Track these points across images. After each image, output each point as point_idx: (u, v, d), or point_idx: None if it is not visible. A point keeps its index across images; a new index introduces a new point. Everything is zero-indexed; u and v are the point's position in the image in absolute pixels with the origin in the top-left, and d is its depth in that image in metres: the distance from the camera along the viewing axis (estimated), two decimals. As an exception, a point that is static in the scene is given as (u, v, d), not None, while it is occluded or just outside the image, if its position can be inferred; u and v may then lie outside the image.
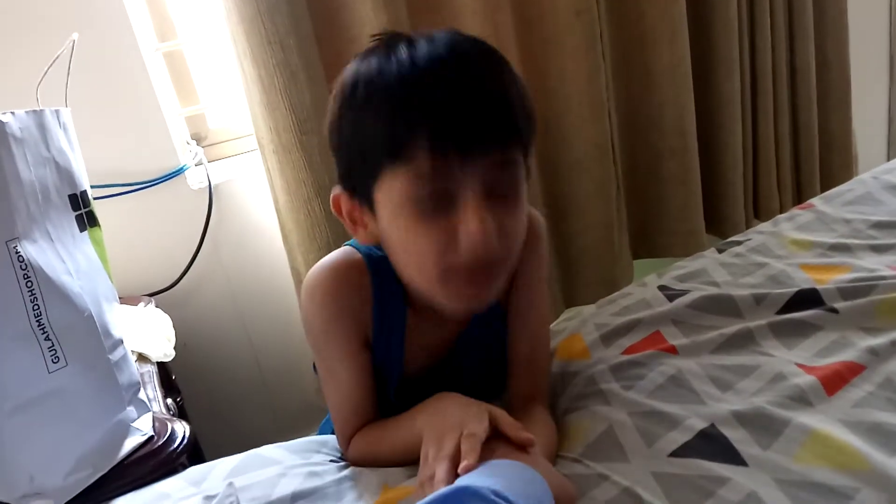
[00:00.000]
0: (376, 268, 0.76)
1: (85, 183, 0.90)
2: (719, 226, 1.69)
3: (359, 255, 0.78)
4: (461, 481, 0.56)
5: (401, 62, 0.64)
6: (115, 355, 0.84)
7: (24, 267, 0.75)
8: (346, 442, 0.81)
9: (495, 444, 0.65)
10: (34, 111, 0.82)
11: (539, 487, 0.58)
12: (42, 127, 0.82)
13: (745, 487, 0.65)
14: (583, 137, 1.47)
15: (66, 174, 0.85)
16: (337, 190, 0.75)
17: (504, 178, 0.66)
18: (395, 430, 0.77)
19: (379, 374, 0.81)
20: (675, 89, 1.51)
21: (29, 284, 0.75)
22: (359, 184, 0.71)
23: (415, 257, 0.68)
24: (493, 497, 0.52)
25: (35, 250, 0.76)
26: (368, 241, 0.74)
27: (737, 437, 0.71)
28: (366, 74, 0.67)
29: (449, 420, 0.67)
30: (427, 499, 0.53)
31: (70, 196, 0.86)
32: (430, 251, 0.66)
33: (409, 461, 0.74)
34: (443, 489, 0.54)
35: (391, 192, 0.66)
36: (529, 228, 0.75)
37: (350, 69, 0.71)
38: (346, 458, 0.82)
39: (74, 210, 0.86)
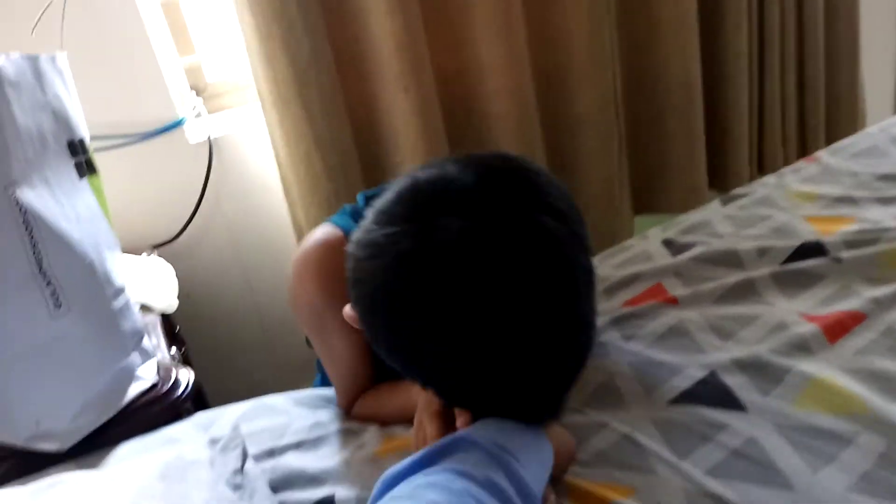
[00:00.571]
0: None
1: (83, 130, 0.89)
2: (722, 181, 1.68)
3: (341, 233, 0.76)
4: (461, 433, 0.56)
5: None
6: (118, 303, 0.84)
7: (23, 213, 0.74)
8: (348, 408, 0.82)
9: None
10: (29, 56, 0.80)
11: (539, 442, 0.58)
12: (38, 72, 0.81)
13: (744, 432, 0.66)
14: (586, 91, 1.44)
15: (63, 120, 0.84)
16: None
17: None
18: (394, 396, 0.78)
19: None
20: (681, 41, 1.48)
21: (29, 231, 0.75)
22: None
23: None
24: (490, 446, 0.51)
25: (34, 196, 0.76)
26: None
27: (737, 384, 0.72)
28: None
29: None
30: (425, 449, 0.52)
31: (68, 142, 0.85)
32: None
33: (409, 421, 0.75)
34: (442, 439, 0.53)
35: None
36: None
37: None
38: (350, 417, 0.82)
39: (73, 156, 0.85)
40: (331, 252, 0.75)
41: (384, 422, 0.78)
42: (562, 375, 0.56)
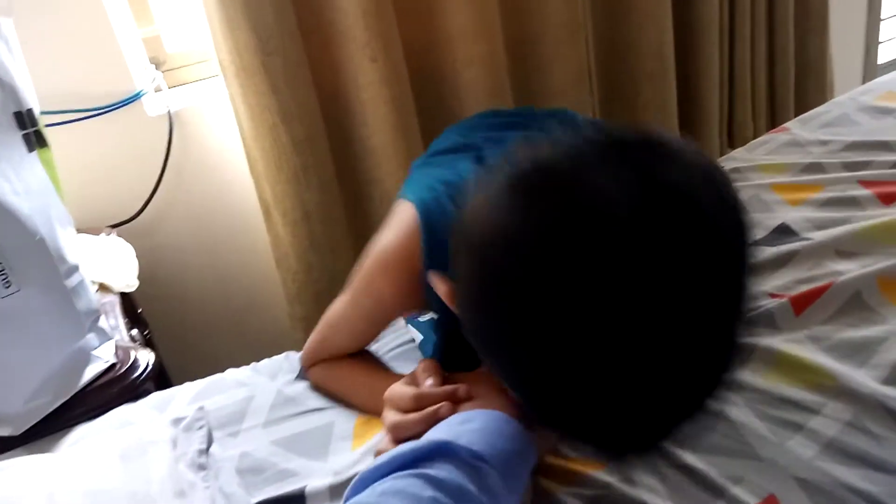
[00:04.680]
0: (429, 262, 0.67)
1: (32, 101, 0.85)
2: (694, 154, 1.68)
3: (418, 250, 0.67)
4: (437, 435, 0.54)
5: None
6: (72, 281, 0.81)
7: (-35, 187, 0.70)
8: (310, 361, 0.79)
9: (473, 387, 0.61)
10: (-31, 21, 0.76)
11: (520, 441, 0.56)
12: (-22, 38, 0.77)
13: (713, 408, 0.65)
14: (560, 62, 1.42)
15: (9, 90, 0.80)
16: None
17: None
18: (357, 385, 0.76)
19: None
20: (654, 9, 1.46)
21: (-27, 206, 0.71)
22: None
23: None
24: (470, 459, 0.49)
25: (-23, 169, 0.72)
26: None
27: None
28: None
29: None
30: (401, 448, 0.50)
31: (15, 114, 0.81)
32: None
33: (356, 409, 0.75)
34: (419, 441, 0.51)
35: None
36: None
37: None
38: (306, 373, 0.80)
39: (21, 129, 0.81)
40: (406, 268, 0.68)
41: (333, 395, 0.77)
42: (684, 406, 0.45)
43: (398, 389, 0.63)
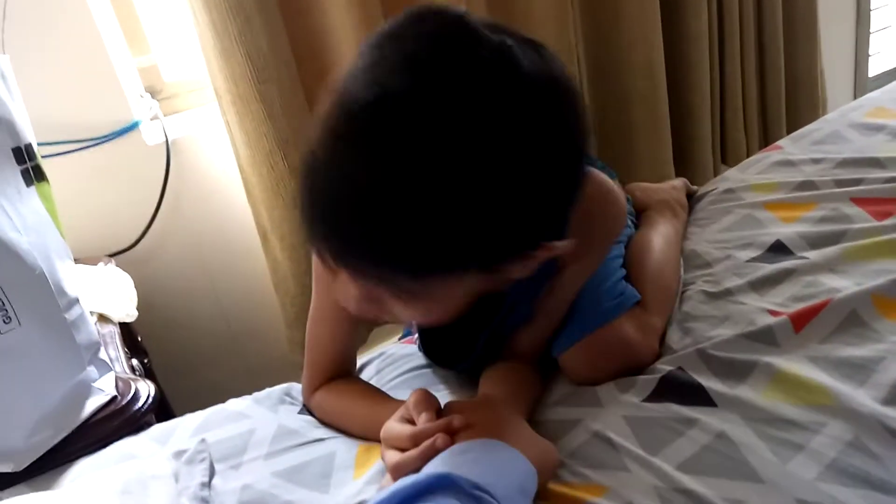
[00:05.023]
0: None
1: (30, 136, 0.85)
2: (687, 172, 1.68)
3: None
4: (436, 468, 0.54)
5: None
6: (72, 314, 0.81)
7: (-35, 224, 0.71)
8: (308, 389, 0.82)
9: (468, 414, 0.63)
10: (-33, 59, 0.77)
11: (521, 468, 0.56)
12: (-23, 76, 0.77)
13: (714, 427, 0.66)
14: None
15: (7, 126, 0.81)
16: None
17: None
18: (355, 413, 0.77)
19: None
20: (643, 28, 1.48)
21: (-28, 242, 0.71)
22: None
23: None
24: (471, 490, 0.49)
25: (-23, 207, 0.72)
26: None
27: (706, 379, 0.71)
28: None
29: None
30: (402, 483, 0.50)
31: (14, 149, 0.82)
32: None
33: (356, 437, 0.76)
34: (419, 475, 0.51)
35: None
36: (592, 198, 0.68)
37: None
38: (307, 404, 0.82)
39: (19, 164, 0.82)
40: None
41: (338, 419, 0.78)
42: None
43: (395, 429, 0.64)
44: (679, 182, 1.12)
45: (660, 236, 0.93)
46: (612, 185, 0.77)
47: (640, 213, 1.01)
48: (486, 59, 0.51)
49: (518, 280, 0.62)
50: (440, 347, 0.85)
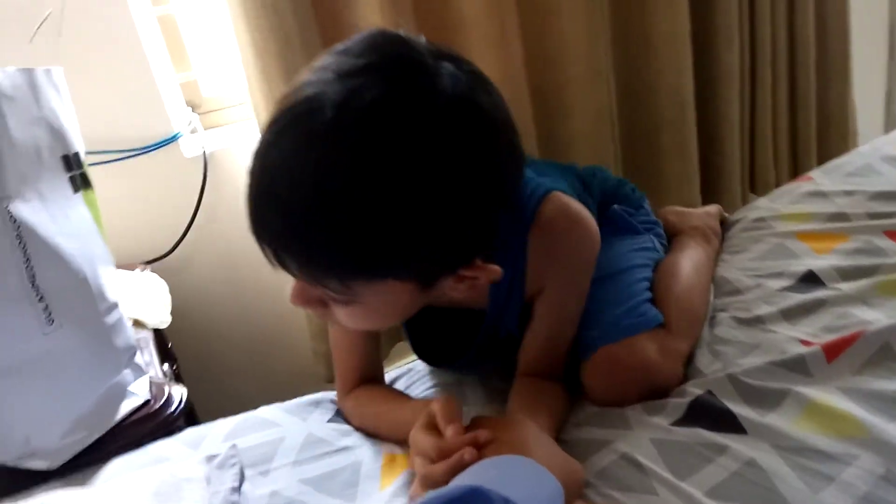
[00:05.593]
0: None
1: (78, 144, 0.88)
2: (715, 199, 1.68)
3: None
4: (467, 480, 0.54)
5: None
6: (111, 318, 0.83)
7: (16, 227, 0.73)
8: (340, 391, 0.86)
9: (494, 431, 0.64)
10: (25, 69, 0.80)
11: (549, 485, 0.56)
12: (34, 86, 0.81)
13: (744, 455, 0.65)
14: (582, 106, 1.45)
15: (58, 135, 0.84)
16: None
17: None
18: (381, 416, 0.80)
19: None
20: (673, 56, 1.49)
21: (22, 245, 0.74)
22: None
23: None
24: (499, 501, 0.49)
25: (27, 210, 0.75)
26: None
27: (736, 406, 0.71)
28: None
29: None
30: (432, 494, 0.50)
31: (63, 157, 0.84)
32: None
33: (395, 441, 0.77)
34: (450, 487, 0.51)
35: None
36: (547, 230, 0.75)
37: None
38: (340, 405, 0.85)
39: (67, 171, 0.85)
40: None
41: (369, 424, 0.80)
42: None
43: (422, 439, 0.65)
44: (714, 209, 1.12)
45: (689, 261, 0.93)
46: (580, 208, 0.77)
47: (673, 238, 1.02)
48: (412, 80, 0.55)
49: (493, 299, 0.71)
50: (429, 349, 0.90)
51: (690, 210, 1.10)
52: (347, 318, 0.66)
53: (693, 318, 0.86)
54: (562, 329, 0.80)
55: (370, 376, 0.85)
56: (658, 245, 0.96)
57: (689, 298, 0.88)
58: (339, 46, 0.59)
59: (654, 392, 0.76)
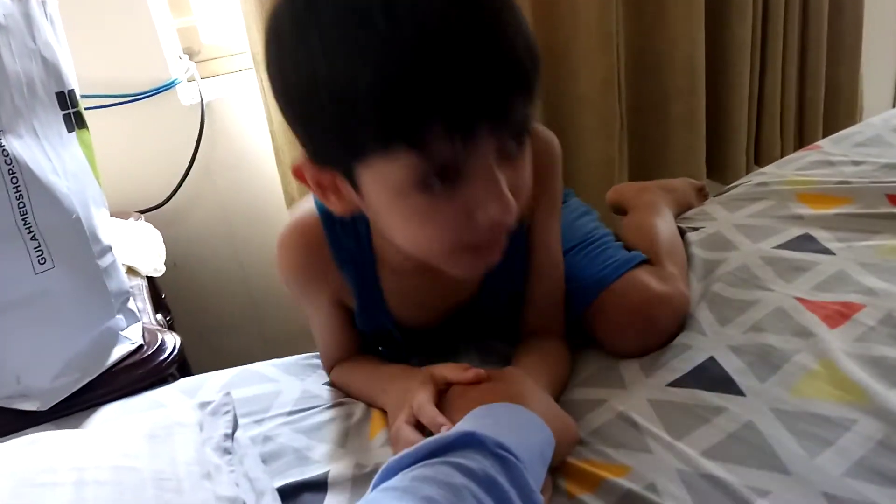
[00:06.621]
0: (334, 235, 0.71)
1: (73, 82, 0.86)
2: (720, 172, 1.67)
3: (316, 218, 0.71)
4: (463, 426, 0.54)
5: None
6: (104, 261, 0.81)
7: (8, 162, 0.71)
8: (328, 369, 0.83)
9: (487, 388, 0.64)
10: (19, -1, 0.77)
11: (541, 434, 0.56)
12: (28, 16, 0.78)
13: (742, 417, 0.65)
14: (589, 70, 1.42)
15: (53, 70, 0.81)
16: (298, 159, 0.60)
17: (517, 138, 0.56)
18: (367, 386, 0.77)
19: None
20: (688, 25, 1.46)
21: (14, 181, 0.72)
22: (334, 158, 0.56)
23: (423, 241, 0.58)
24: (495, 449, 0.49)
25: (21, 146, 0.73)
26: (345, 211, 0.61)
27: (736, 369, 0.71)
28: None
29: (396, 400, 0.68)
30: (429, 440, 0.50)
31: (57, 94, 0.82)
32: (442, 236, 0.56)
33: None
34: (447, 433, 0.51)
35: (387, 175, 0.53)
36: (545, 153, 0.73)
37: None
38: (330, 380, 0.83)
39: (62, 109, 0.82)
40: (302, 240, 0.73)
41: (355, 397, 0.78)
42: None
43: (406, 435, 0.63)
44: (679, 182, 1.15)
45: (650, 215, 0.96)
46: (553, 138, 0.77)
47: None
48: None
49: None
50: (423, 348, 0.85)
51: (640, 184, 1.12)
52: (526, 182, 0.58)
53: (675, 251, 0.88)
54: (555, 269, 0.79)
55: (354, 351, 0.83)
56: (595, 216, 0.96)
57: (667, 238, 0.90)
58: None
59: (670, 319, 0.77)
